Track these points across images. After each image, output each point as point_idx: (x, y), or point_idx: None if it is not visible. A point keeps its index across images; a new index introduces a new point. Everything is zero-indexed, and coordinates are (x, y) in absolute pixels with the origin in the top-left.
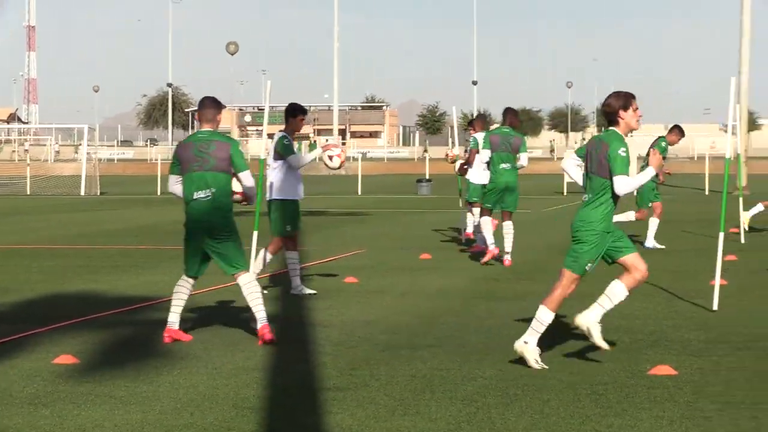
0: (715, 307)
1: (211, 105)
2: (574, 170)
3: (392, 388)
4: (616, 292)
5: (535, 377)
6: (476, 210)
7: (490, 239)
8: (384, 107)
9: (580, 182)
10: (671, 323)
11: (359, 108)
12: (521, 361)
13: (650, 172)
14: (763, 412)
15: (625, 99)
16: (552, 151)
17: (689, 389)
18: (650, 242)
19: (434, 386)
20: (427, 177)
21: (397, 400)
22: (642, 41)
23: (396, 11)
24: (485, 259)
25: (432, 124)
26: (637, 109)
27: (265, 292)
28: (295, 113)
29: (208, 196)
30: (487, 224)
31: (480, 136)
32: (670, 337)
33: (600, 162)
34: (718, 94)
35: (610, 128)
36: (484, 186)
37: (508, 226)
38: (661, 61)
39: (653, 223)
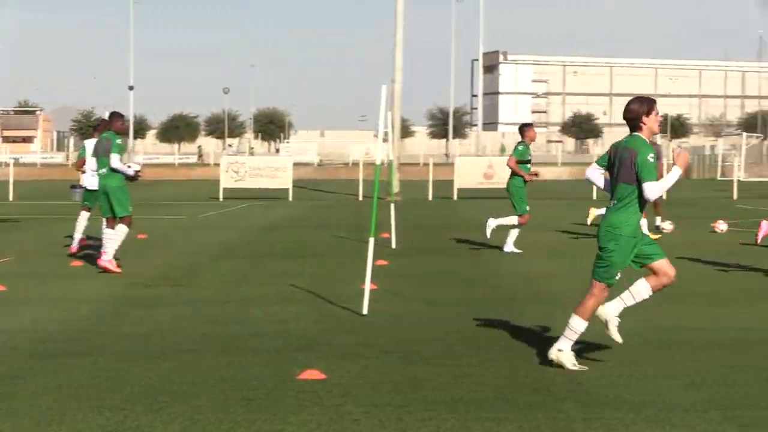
0: (365, 311)
1: None
2: (599, 179)
3: (40, 398)
4: (640, 290)
5: (185, 384)
6: (84, 213)
7: (110, 253)
8: (37, 112)
9: (605, 188)
10: (321, 327)
11: (12, 113)
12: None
13: (677, 172)
14: (409, 413)
15: (648, 104)
16: (200, 156)
17: (338, 393)
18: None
19: (83, 395)
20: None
21: (44, 411)
22: (298, 47)
23: (50, 11)
24: (107, 268)
25: (87, 129)
26: (657, 113)
27: None
28: None
29: None
30: (111, 237)
31: (90, 143)
32: (320, 342)
33: (627, 168)
34: (375, 102)
35: (635, 134)
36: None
37: (118, 229)
38: (318, 66)
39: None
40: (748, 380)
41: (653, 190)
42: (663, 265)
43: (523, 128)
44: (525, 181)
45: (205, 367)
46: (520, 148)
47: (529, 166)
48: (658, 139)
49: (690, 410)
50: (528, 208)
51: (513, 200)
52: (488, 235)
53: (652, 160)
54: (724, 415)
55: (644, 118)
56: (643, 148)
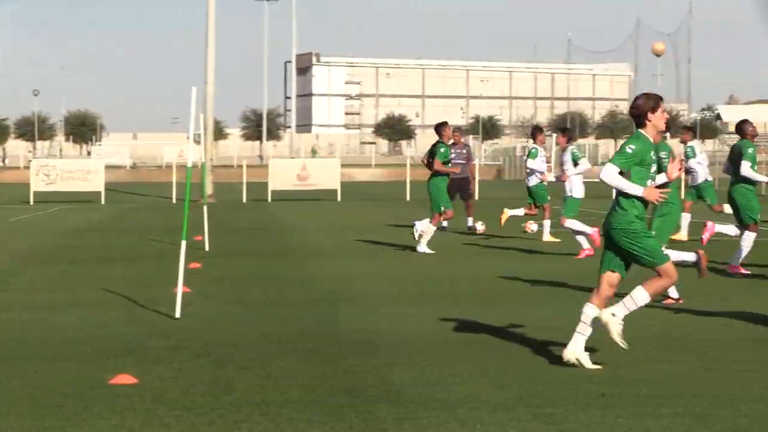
0: (177, 314)
1: None
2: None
3: None
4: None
5: None
6: None
7: None
8: None
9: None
10: (134, 332)
11: None
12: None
13: (638, 192)
14: (221, 416)
15: (654, 101)
16: (4, 159)
17: (149, 397)
18: (422, 248)
19: None
20: None
21: None
22: (109, 49)
23: None
24: None
25: None
26: (664, 110)
27: None
28: None
29: None
30: None
31: None
32: (132, 346)
33: None
34: (187, 104)
35: (637, 130)
36: None
37: None
38: (130, 68)
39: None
40: (557, 378)
41: (608, 171)
42: (613, 279)
43: (439, 128)
44: (447, 176)
45: (13, 374)
46: (442, 150)
47: (450, 164)
48: (470, 140)
49: (499, 409)
50: (451, 203)
51: (433, 199)
52: (420, 243)
53: (629, 150)
54: (534, 413)
55: (649, 115)
56: (630, 139)
